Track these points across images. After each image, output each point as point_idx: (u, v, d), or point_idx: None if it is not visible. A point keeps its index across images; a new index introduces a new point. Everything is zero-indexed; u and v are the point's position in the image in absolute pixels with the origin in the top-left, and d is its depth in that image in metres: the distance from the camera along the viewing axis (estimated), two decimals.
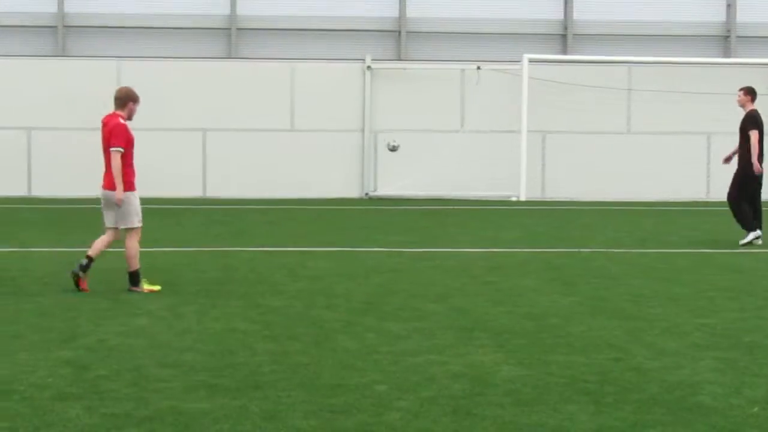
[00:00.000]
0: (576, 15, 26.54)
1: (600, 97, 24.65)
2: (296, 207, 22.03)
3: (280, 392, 6.79)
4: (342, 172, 24.68)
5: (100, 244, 10.95)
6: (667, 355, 7.99)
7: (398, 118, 24.57)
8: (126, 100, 10.92)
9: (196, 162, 24.50)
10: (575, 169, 24.82)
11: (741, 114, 15.77)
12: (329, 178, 24.55)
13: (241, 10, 26.05)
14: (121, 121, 10.82)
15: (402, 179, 24.16)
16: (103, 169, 10.92)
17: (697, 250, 15.00)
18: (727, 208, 15.75)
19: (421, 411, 6.40)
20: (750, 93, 15.71)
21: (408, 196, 24.13)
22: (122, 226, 10.89)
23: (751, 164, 15.32)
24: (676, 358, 7.89)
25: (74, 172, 23.29)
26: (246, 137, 24.54)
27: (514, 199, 24.19)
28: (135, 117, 11.07)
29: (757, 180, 15.51)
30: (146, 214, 11.40)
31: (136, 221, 10.92)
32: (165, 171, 23.34)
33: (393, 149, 17.55)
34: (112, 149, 10.70)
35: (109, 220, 10.98)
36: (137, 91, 11.13)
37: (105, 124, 10.90)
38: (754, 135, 15.38)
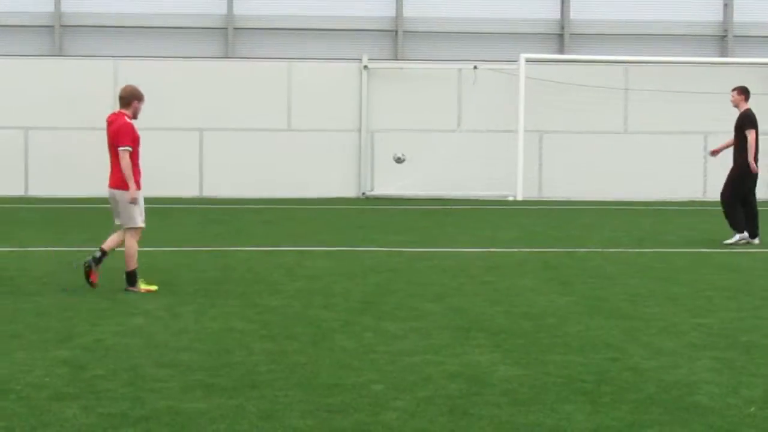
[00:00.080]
0: (573, 15, 26.57)
1: (597, 97, 24.66)
2: (294, 206, 22.03)
3: (277, 392, 6.78)
4: (339, 171, 24.68)
5: (117, 238, 10.96)
6: (664, 354, 7.99)
7: (395, 117, 24.59)
8: (131, 98, 10.88)
9: (193, 161, 24.49)
10: (572, 168, 24.83)
11: (737, 114, 15.77)
12: (326, 178, 24.55)
13: (238, 10, 26.06)
14: (127, 119, 10.78)
15: (399, 179, 24.16)
16: (108, 168, 10.83)
17: (694, 249, 15.00)
18: None
19: (418, 411, 6.40)
20: (743, 92, 15.71)
21: (405, 196, 24.14)
22: (126, 226, 10.88)
23: (747, 163, 15.33)
24: (673, 357, 7.89)
25: (72, 172, 23.30)
26: (243, 137, 24.54)
27: (511, 198, 24.20)
28: None
29: (753, 179, 15.52)
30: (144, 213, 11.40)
31: (140, 221, 10.89)
32: (162, 170, 23.29)
33: (399, 161, 17.53)
34: (120, 149, 10.62)
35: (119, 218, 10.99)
36: None
37: (110, 122, 10.82)
38: (751, 134, 15.37)
